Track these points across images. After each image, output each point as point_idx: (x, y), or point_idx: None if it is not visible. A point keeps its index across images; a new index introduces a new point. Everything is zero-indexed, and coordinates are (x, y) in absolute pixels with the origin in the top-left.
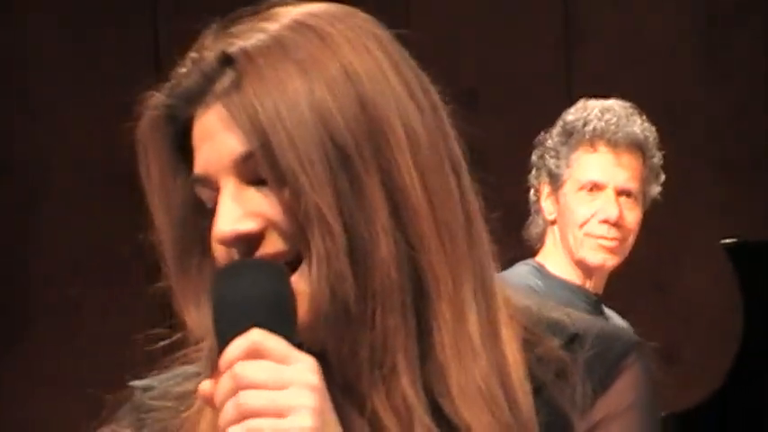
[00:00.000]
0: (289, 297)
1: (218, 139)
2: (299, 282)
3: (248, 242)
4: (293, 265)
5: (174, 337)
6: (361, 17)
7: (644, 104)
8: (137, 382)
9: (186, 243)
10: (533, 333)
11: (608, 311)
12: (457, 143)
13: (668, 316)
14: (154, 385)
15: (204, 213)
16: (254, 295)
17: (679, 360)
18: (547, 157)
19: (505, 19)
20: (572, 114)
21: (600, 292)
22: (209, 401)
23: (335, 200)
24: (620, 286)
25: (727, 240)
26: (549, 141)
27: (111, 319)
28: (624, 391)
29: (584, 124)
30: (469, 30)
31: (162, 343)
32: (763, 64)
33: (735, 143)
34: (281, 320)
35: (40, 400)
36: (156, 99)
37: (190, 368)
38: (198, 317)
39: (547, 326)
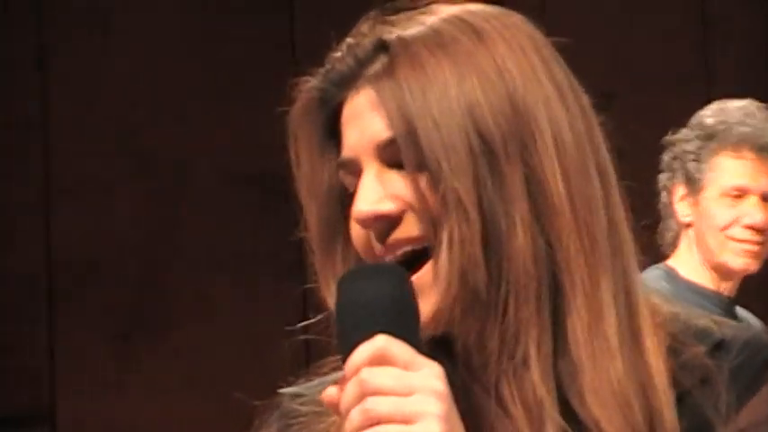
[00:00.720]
0: (412, 302)
1: (364, 121)
2: (427, 274)
3: (385, 224)
4: (422, 257)
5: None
6: (517, 17)
7: None
8: (286, 390)
9: (332, 229)
10: (679, 340)
11: (742, 312)
12: (606, 148)
13: None
14: (303, 393)
15: (348, 200)
16: (377, 300)
17: None
18: (684, 159)
19: (642, 19)
20: (711, 117)
21: (732, 294)
22: (335, 408)
23: (474, 187)
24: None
25: None
26: (687, 144)
27: (251, 320)
28: None
29: (727, 128)
30: (605, 31)
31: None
32: None
33: None
34: (406, 325)
35: (183, 399)
36: (310, 84)
37: (339, 375)
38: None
39: (693, 333)
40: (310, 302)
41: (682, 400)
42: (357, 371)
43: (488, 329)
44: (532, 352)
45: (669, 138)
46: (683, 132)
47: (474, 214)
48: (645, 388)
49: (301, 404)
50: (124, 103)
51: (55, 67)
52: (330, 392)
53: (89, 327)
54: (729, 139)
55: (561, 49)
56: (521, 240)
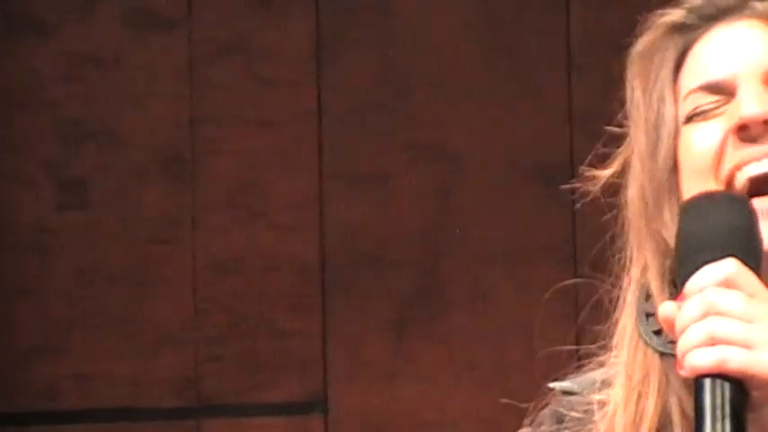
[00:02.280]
0: (758, 232)
1: (750, 47)
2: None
3: (761, 132)
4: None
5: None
6: None
7: None
8: (557, 384)
9: (669, 163)
10: None
11: None
12: None
13: None
14: (574, 389)
15: (694, 132)
16: (728, 225)
17: None
18: None
19: None
20: None
21: None
22: (669, 325)
23: None
24: None
25: None
26: None
27: (523, 311)
28: None
29: None
30: None
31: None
32: None
33: None
34: (753, 255)
35: (459, 388)
36: (670, 16)
37: (604, 374)
38: (650, 256)
39: None
40: (582, 295)
41: None
42: (702, 290)
43: None
44: None
45: None
46: None
47: None
48: None
49: (571, 403)
50: (402, 94)
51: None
52: (667, 309)
53: (365, 314)
54: None
55: None
56: None
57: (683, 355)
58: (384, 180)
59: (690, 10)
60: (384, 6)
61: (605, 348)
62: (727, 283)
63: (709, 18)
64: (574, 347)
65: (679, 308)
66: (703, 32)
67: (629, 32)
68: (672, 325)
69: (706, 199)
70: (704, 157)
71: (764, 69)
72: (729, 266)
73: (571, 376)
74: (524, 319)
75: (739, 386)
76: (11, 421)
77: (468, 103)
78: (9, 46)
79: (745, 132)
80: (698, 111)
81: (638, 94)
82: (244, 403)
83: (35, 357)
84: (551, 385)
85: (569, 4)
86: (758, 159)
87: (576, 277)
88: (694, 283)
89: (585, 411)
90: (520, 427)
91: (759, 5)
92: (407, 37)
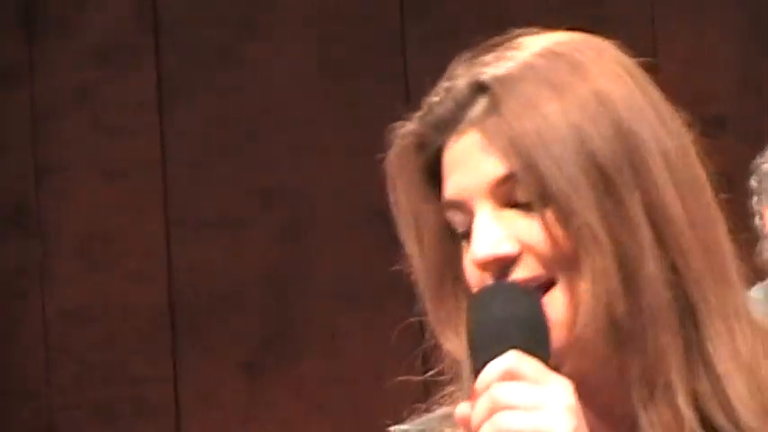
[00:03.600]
0: (543, 319)
1: (473, 163)
2: (551, 307)
3: (504, 265)
4: (544, 291)
5: (433, 372)
6: (606, 44)
7: None
8: (396, 428)
9: (439, 269)
10: None
11: None
12: (704, 168)
13: None
14: (411, 431)
15: (455, 238)
16: (509, 318)
17: None
18: (765, 181)
19: (751, 45)
20: None
21: None
22: (466, 424)
23: (603, 219)
24: None
25: None
26: (766, 165)
27: (372, 347)
28: None
29: None
30: (715, 55)
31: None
32: None
33: None
34: (537, 343)
35: (312, 428)
36: (407, 128)
37: (450, 410)
38: (457, 342)
39: None
40: (429, 332)
41: None
42: (488, 386)
43: (629, 360)
44: (674, 376)
45: (754, 162)
46: (762, 155)
47: (608, 246)
48: None
49: None
50: (247, 139)
51: (172, 105)
52: (461, 409)
53: (216, 357)
54: None
55: (672, 75)
56: (651, 267)
57: None
58: (232, 224)
59: (424, 123)
60: (225, 55)
61: (452, 382)
62: (511, 376)
63: (440, 130)
64: (423, 386)
65: (471, 407)
66: (443, 143)
67: None
68: (468, 425)
69: (490, 293)
70: (475, 284)
71: (491, 183)
72: (510, 359)
73: (413, 417)
74: (374, 358)
75: None
76: None
77: (312, 146)
78: None
79: (486, 267)
80: (455, 227)
81: (401, 199)
82: None
83: None
84: (391, 429)
85: (405, 48)
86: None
87: (422, 315)
88: (481, 380)
89: None
90: None
91: (477, 111)
92: (250, 84)
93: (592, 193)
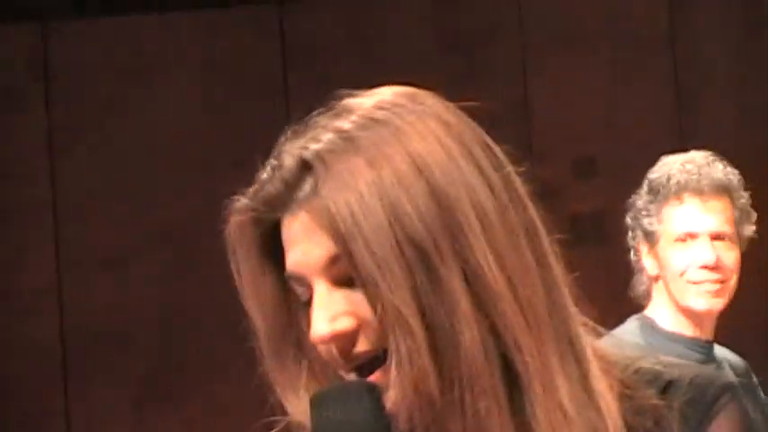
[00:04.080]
0: (380, 422)
1: (305, 244)
2: (385, 378)
3: (345, 339)
4: (381, 359)
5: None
6: (429, 101)
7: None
8: None
9: (279, 334)
10: (628, 385)
11: (720, 350)
12: (532, 206)
13: None
14: None
15: (297, 305)
16: (345, 422)
17: None
18: (639, 217)
19: (620, 84)
20: (655, 172)
21: (711, 337)
22: None
23: (414, 298)
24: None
25: None
26: (639, 202)
27: (259, 383)
28: None
29: (668, 179)
30: (586, 97)
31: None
32: None
33: None
34: None
35: None
36: (242, 203)
37: None
38: (299, 405)
39: (641, 376)
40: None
41: None
42: None
43: (450, 428)
44: None
45: (628, 200)
46: (637, 193)
47: (417, 326)
48: None
49: None
50: (137, 181)
51: (62, 149)
52: None
53: (106, 393)
54: (671, 189)
55: (543, 115)
56: (467, 336)
57: None
58: (121, 264)
59: (257, 200)
60: (110, 103)
61: None
62: None
63: (274, 208)
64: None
65: None
66: (278, 218)
67: None
68: None
69: (331, 394)
70: (323, 354)
71: (322, 264)
72: None
73: None
74: (262, 391)
75: None
76: None
77: (199, 187)
78: None
79: (327, 343)
80: (301, 298)
81: (241, 268)
82: None
83: None
84: None
85: (288, 94)
86: (344, 369)
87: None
88: None
89: None
90: None
91: (304, 191)
92: (136, 131)
93: (404, 274)
